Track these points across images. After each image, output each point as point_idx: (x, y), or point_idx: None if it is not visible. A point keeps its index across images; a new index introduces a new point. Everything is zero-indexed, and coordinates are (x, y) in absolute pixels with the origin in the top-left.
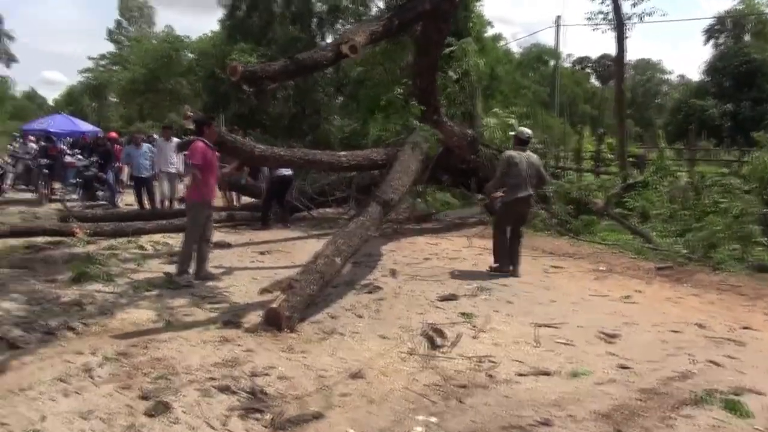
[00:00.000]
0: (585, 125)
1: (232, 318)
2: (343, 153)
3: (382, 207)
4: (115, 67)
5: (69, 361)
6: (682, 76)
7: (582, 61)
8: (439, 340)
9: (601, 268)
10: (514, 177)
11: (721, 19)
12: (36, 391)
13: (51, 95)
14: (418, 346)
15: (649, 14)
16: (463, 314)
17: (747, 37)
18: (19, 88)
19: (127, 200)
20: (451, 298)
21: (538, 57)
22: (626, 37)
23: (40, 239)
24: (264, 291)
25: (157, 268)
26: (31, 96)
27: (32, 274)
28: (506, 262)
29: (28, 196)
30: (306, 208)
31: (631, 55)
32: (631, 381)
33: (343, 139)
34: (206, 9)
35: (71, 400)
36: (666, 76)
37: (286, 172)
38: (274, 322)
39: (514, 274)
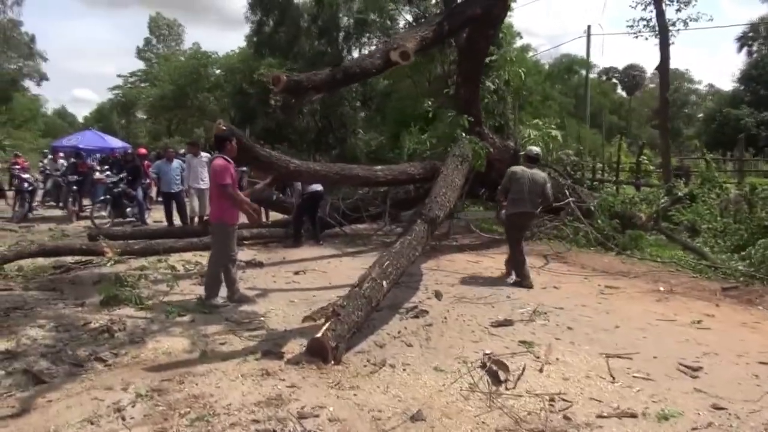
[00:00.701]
0: (614, 136)
1: (272, 348)
2: (378, 167)
3: (428, 225)
4: (143, 84)
5: (98, 398)
6: (711, 86)
7: (608, 71)
8: (502, 375)
9: (660, 289)
10: (515, 192)
11: (754, 27)
12: None
13: (81, 113)
14: (479, 380)
15: (695, 19)
16: (522, 342)
17: None
18: (50, 106)
19: (155, 216)
20: (506, 323)
21: (569, 67)
22: (671, 44)
23: (69, 258)
24: (307, 318)
25: (189, 289)
26: (62, 114)
27: (60, 296)
28: (523, 272)
29: (58, 212)
30: (338, 225)
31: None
32: (732, 426)
33: (369, 152)
34: (233, 25)
35: None
36: (694, 86)
37: (318, 187)
38: (319, 353)
39: (523, 284)
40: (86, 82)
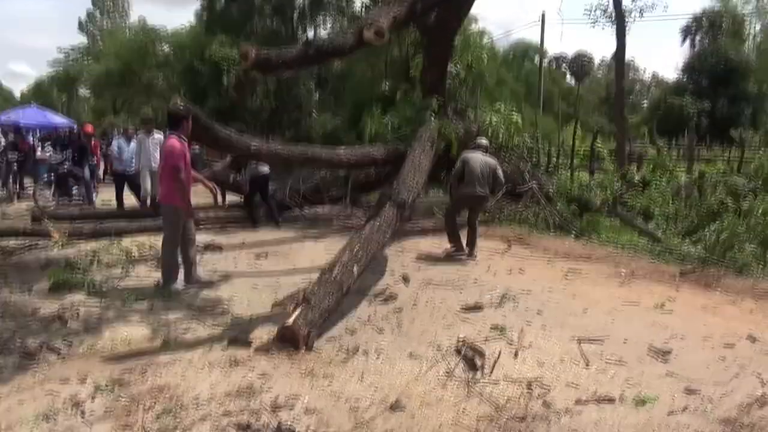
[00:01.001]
0: (564, 123)
1: (239, 335)
2: (341, 149)
3: (397, 208)
4: (87, 60)
5: (54, 391)
6: (654, 75)
7: (558, 59)
8: (478, 361)
9: (622, 273)
10: (467, 175)
11: (698, 19)
12: None
13: (17, 88)
14: (455, 367)
15: (652, 8)
16: (494, 327)
17: (723, 37)
18: None
19: (103, 197)
20: (476, 308)
21: (524, 54)
22: (627, 32)
23: (11, 241)
24: (277, 305)
25: (146, 273)
26: None
27: (4, 282)
28: (460, 244)
29: None
30: (298, 207)
31: (605, 52)
32: (706, 410)
33: (325, 135)
34: (181, 2)
35: None
36: (639, 75)
37: (264, 169)
38: (290, 341)
39: (471, 255)
40: (22, 55)
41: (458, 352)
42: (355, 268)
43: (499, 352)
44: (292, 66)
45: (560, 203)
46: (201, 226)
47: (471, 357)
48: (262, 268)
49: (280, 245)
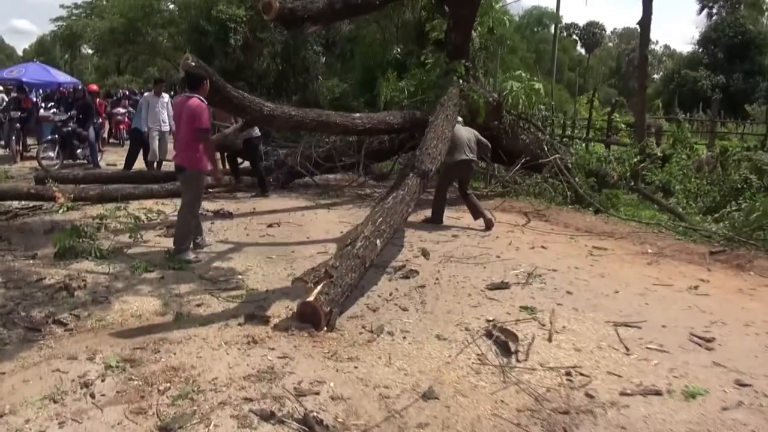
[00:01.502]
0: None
1: (255, 311)
2: (357, 115)
3: (420, 178)
4: (91, 17)
5: (61, 370)
6: (667, 46)
7: (569, 27)
8: (512, 345)
9: (648, 251)
10: (454, 143)
11: None
12: (21, 417)
13: (20, 45)
14: (487, 351)
15: None
16: (524, 308)
17: (742, 8)
18: None
19: (108, 159)
20: (503, 287)
21: (539, 20)
22: None
23: (15, 203)
24: (298, 280)
25: (155, 241)
26: None
27: (8, 247)
28: (440, 217)
29: None
30: (309, 174)
31: (616, 23)
32: (762, 405)
33: (333, 100)
34: None
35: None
36: (651, 47)
37: (255, 132)
38: (310, 319)
39: (489, 225)
40: (25, 12)
41: (489, 334)
42: (378, 242)
43: (533, 337)
44: (317, 21)
45: (579, 177)
46: (209, 192)
47: (504, 341)
48: (275, 238)
49: (291, 214)
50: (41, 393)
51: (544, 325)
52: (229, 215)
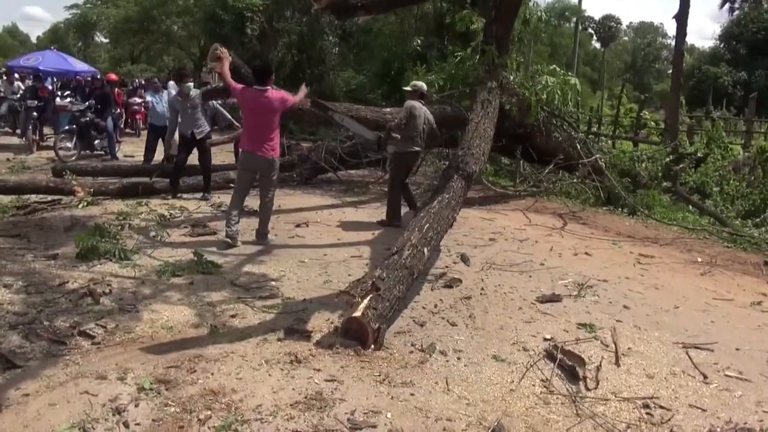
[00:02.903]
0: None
1: (294, 324)
2: (387, 110)
3: (465, 181)
4: (105, 5)
5: (90, 392)
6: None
7: (584, 21)
8: (579, 370)
9: (699, 260)
10: (411, 129)
11: None
12: None
13: (33, 32)
14: (552, 376)
15: None
16: (582, 325)
17: (765, 4)
18: None
19: (125, 150)
20: (555, 299)
21: (562, 13)
22: None
23: (33, 196)
24: (343, 294)
25: (180, 240)
26: (13, 32)
27: (27, 245)
28: (398, 216)
29: (15, 141)
30: (333, 170)
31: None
32: None
33: (348, 92)
34: None
35: None
36: (668, 41)
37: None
38: (357, 336)
39: (385, 224)
40: None
41: (551, 356)
42: (426, 251)
43: (600, 360)
44: (372, 9)
45: (613, 177)
46: (231, 185)
47: (569, 365)
48: (305, 239)
49: (318, 212)
50: (69, 420)
51: (607, 346)
52: (254, 213)
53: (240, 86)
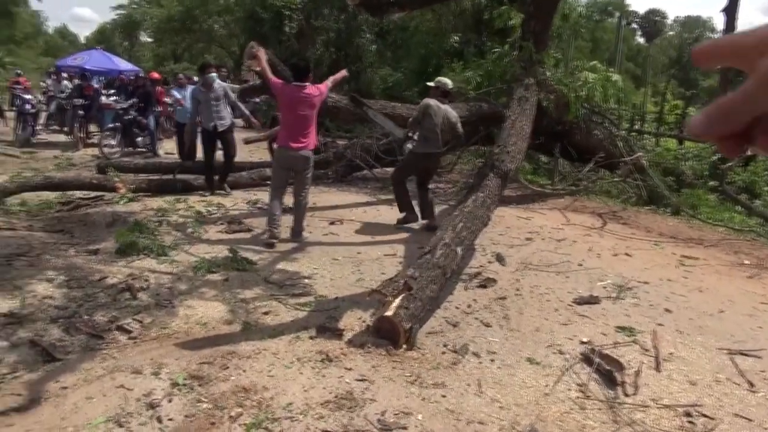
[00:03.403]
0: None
1: (326, 322)
2: None
3: (501, 179)
4: (149, 5)
5: (125, 386)
6: None
7: (628, 16)
8: (617, 376)
9: (746, 262)
10: (427, 129)
11: None
12: None
13: (81, 33)
14: (588, 380)
15: None
16: (620, 328)
17: None
18: (50, 24)
19: (166, 147)
20: (593, 301)
21: (604, 8)
22: None
23: (77, 192)
24: (375, 293)
25: (216, 237)
26: (63, 32)
27: (70, 240)
28: (412, 211)
29: (62, 138)
30: (368, 168)
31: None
32: None
33: (385, 89)
34: None
35: None
36: (716, 36)
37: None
38: (388, 335)
39: (432, 225)
40: (86, 0)
41: (588, 360)
42: (459, 250)
43: (639, 365)
44: (405, 5)
45: (656, 176)
46: (267, 183)
47: (607, 369)
48: (338, 237)
49: (353, 210)
50: (105, 413)
51: (647, 350)
52: (289, 210)
53: (280, 81)
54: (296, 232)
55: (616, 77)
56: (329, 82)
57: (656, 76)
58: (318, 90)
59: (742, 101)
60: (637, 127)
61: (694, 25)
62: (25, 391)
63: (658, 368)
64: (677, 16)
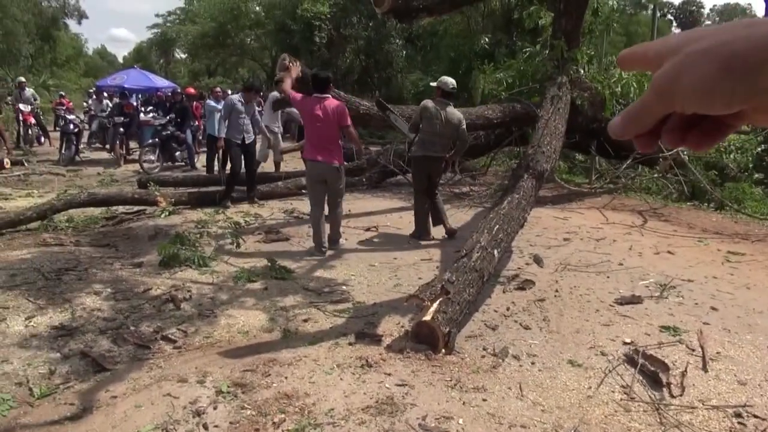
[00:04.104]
0: None
1: (365, 328)
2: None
3: (536, 180)
4: (183, 23)
5: (172, 395)
6: None
7: (663, 7)
8: (663, 376)
9: None
10: (425, 132)
11: None
12: None
13: (119, 53)
14: (632, 382)
15: None
16: (664, 328)
17: None
18: (90, 45)
19: (203, 160)
20: (635, 301)
21: (638, 1)
22: None
23: (120, 207)
24: (413, 298)
25: (255, 247)
26: (102, 53)
27: (115, 254)
28: (425, 230)
29: (104, 155)
30: (401, 173)
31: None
32: None
33: (416, 93)
34: None
35: None
36: None
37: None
38: (427, 340)
39: (451, 235)
40: (123, 21)
41: (631, 361)
42: (496, 253)
43: (686, 365)
44: (434, 10)
45: (698, 169)
46: (302, 192)
47: (652, 370)
48: (375, 243)
49: (388, 215)
50: (153, 422)
51: (693, 350)
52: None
53: (299, 95)
54: (333, 240)
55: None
56: (351, 128)
57: None
58: (342, 108)
59: (641, 108)
60: None
61: (732, 13)
62: (77, 401)
63: (705, 368)
64: (714, 5)
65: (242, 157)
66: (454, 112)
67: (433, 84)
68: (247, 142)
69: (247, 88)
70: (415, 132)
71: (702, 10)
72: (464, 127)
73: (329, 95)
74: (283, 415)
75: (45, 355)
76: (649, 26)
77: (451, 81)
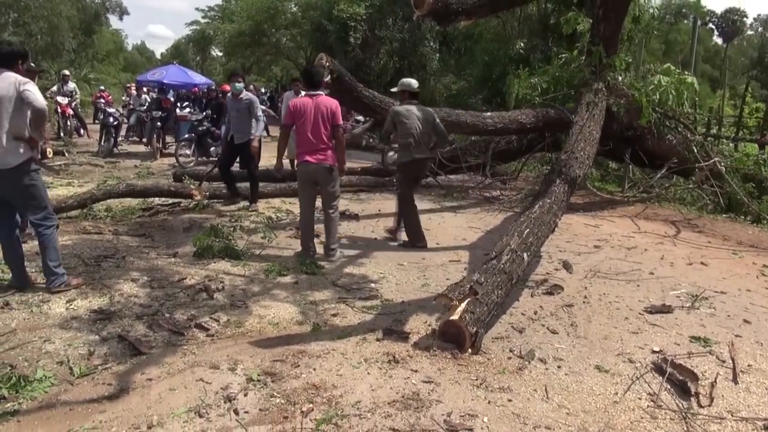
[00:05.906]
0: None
1: (393, 325)
2: (488, 114)
3: (568, 186)
4: (221, 20)
5: (204, 380)
6: None
7: (704, 15)
8: (691, 386)
9: None
10: (403, 136)
11: None
12: (168, 431)
13: (157, 49)
14: (660, 390)
15: None
16: (695, 339)
17: None
18: (128, 41)
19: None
20: (665, 310)
21: (679, 10)
22: None
23: (156, 199)
24: (441, 297)
25: (286, 242)
26: (141, 49)
27: (151, 244)
28: (418, 236)
29: (141, 148)
30: (433, 175)
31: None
32: None
33: (449, 97)
34: None
35: None
36: None
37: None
38: (454, 339)
39: (394, 236)
40: (161, 17)
41: (660, 370)
42: (526, 256)
43: (715, 376)
44: (473, 13)
45: (735, 181)
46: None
47: (680, 380)
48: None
49: None
50: (186, 404)
51: (724, 362)
52: (355, 217)
53: (289, 116)
54: (329, 250)
55: (691, 79)
56: (341, 125)
57: (736, 78)
58: (334, 105)
59: None
60: (714, 131)
61: (766, 23)
62: (114, 381)
63: (735, 380)
64: (759, 14)
65: (230, 155)
66: (426, 110)
67: (394, 90)
68: (236, 142)
69: (228, 75)
70: (388, 142)
71: (745, 19)
72: (439, 121)
73: (321, 92)
74: (311, 405)
75: (84, 337)
76: (689, 35)
77: (414, 81)
